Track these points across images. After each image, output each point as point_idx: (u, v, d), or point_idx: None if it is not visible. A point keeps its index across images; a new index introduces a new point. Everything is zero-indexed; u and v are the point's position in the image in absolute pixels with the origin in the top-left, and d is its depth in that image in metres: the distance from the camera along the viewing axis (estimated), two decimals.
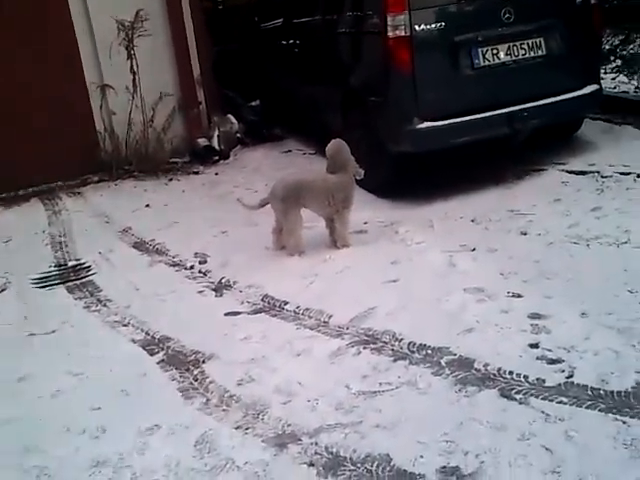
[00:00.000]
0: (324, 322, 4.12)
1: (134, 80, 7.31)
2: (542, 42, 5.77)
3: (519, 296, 4.10)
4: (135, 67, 7.27)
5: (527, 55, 5.75)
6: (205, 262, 5.23)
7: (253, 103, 8.33)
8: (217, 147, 7.68)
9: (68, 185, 7.66)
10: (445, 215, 5.49)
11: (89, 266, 5.56)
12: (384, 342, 3.82)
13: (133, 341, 4.29)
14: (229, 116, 8.03)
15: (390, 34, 5.43)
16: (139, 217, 6.41)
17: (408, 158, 5.78)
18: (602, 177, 5.74)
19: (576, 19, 5.88)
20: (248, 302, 4.54)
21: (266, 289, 4.63)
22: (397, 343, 3.79)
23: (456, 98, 5.64)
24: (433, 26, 5.47)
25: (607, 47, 6.98)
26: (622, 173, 5.70)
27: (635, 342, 3.48)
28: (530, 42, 5.75)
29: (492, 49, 5.64)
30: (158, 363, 4.00)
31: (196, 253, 5.39)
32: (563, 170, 6.00)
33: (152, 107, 7.49)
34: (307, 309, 4.29)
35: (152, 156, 7.51)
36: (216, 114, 7.95)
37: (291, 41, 7.35)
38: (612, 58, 6.87)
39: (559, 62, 5.85)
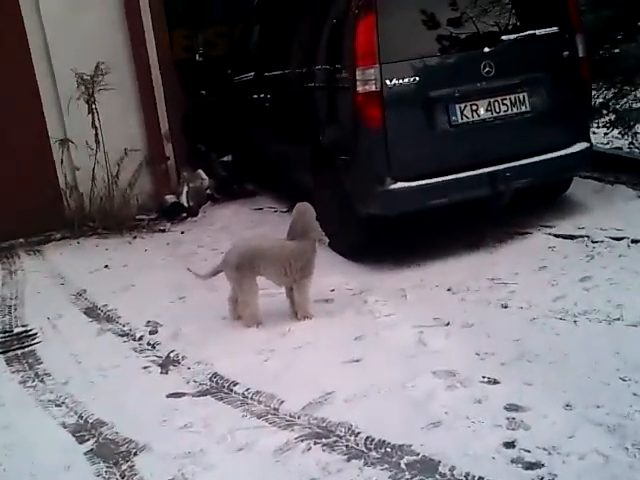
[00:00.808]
0: (274, 409, 3.64)
1: (96, 135, 6.90)
2: (525, 97, 5.39)
3: (495, 382, 3.63)
4: (97, 122, 6.86)
5: (509, 111, 5.36)
6: (156, 332, 4.78)
7: (225, 158, 7.92)
8: (185, 204, 7.23)
9: (29, 242, 7.27)
10: (420, 282, 5.04)
11: (35, 334, 5.12)
12: (338, 436, 3.33)
13: (64, 425, 3.82)
14: (199, 171, 7.63)
15: (359, 89, 5.05)
16: (96, 279, 5.96)
17: (380, 220, 5.32)
18: (592, 242, 5.30)
19: (563, 72, 5.51)
20: (195, 382, 4.08)
21: (216, 366, 4.18)
22: (353, 438, 3.30)
23: (432, 157, 5.23)
24: (406, 80, 5.08)
25: (599, 101, 6.56)
26: (614, 238, 5.26)
27: (628, 444, 2.98)
28: (513, 97, 5.36)
29: (471, 105, 5.25)
30: (86, 454, 3.53)
31: (148, 322, 4.94)
32: (550, 234, 5.56)
33: (117, 163, 7.06)
34: (257, 392, 3.82)
35: (117, 213, 7.10)
36: (186, 169, 7.53)
37: (262, 95, 6.99)
38: (604, 112, 6.42)
39: (544, 118, 5.46)
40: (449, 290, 4.88)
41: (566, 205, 6.09)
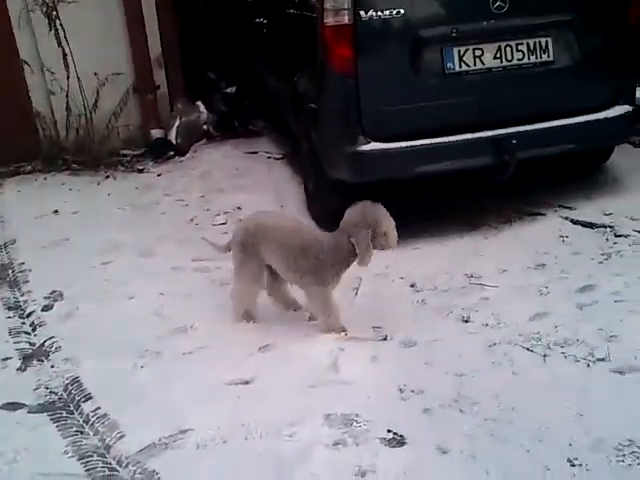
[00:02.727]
0: (105, 447, 2.80)
1: (65, 57, 6.08)
2: (549, 43, 4.18)
3: (400, 443, 2.71)
4: (64, 40, 5.99)
5: (526, 60, 4.17)
6: (50, 308, 3.98)
7: (228, 90, 6.89)
8: (174, 140, 6.32)
9: None
10: (383, 271, 4.03)
11: None
12: None
13: None
14: (198, 103, 6.66)
15: (327, 21, 3.95)
16: (35, 226, 5.18)
17: (357, 187, 4.28)
18: (616, 235, 4.15)
19: (603, 13, 4.23)
20: (46, 388, 3.25)
21: (81, 369, 3.36)
22: None
23: (418, 113, 4.13)
24: (388, 13, 3.93)
25: None
26: None
27: None
28: (531, 42, 4.16)
29: (474, 49, 4.10)
30: None
31: (52, 292, 4.13)
32: (567, 218, 4.44)
33: (97, 89, 6.18)
34: (103, 417, 2.96)
35: (97, 147, 6.22)
36: (182, 100, 6.58)
37: (261, 19, 5.90)
38: None
39: (573, 72, 4.27)
40: (412, 287, 3.89)
41: (599, 181, 4.87)
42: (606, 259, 3.93)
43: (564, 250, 4.07)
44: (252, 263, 3.49)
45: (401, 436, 2.70)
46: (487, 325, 3.41)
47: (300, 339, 3.41)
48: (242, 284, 3.56)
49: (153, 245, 4.64)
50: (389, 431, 2.73)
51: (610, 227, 4.22)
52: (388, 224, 3.25)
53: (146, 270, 4.28)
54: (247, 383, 3.12)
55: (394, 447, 2.66)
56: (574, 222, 4.35)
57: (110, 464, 2.69)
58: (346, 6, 3.92)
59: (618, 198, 4.55)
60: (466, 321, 3.46)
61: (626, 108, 4.42)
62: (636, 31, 4.32)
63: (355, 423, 2.79)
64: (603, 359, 3.04)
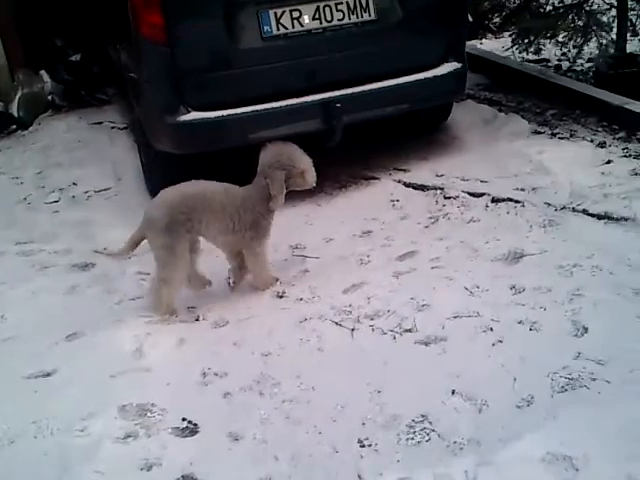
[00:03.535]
0: None
1: None
2: (370, 1, 4.08)
3: (193, 432, 2.56)
4: None
5: (347, 20, 4.06)
6: None
7: (73, 58, 6.53)
8: (15, 113, 5.98)
9: None
10: (208, 246, 3.85)
11: None
12: None
13: None
14: (42, 73, 6.31)
15: None
16: None
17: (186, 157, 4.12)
18: (445, 197, 4.09)
19: None
20: None
21: None
22: None
23: (239, 80, 3.97)
24: None
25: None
26: (472, 194, 4.06)
27: None
28: (351, 1, 4.05)
29: (291, 11, 3.97)
30: None
31: None
32: (400, 181, 4.36)
33: None
34: None
35: None
36: (23, 70, 6.21)
37: None
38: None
39: (397, 30, 4.17)
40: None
41: (438, 140, 4.83)
42: (433, 223, 3.91)
43: (393, 215, 4.04)
44: (184, 243, 3.20)
45: (195, 424, 2.63)
46: (301, 300, 3.33)
47: (109, 324, 3.26)
48: (178, 271, 3.23)
49: None
50: (184, 419, 2.65)
51: (441, 189, 4.18)
52: (304, 163, 3.18)
53: None
54: (48, 375, 2.97)
55: (185, 437, 2.58)
56: (407, 185, 4.31)
57: None
58: None
59: (452, 158, 4.53)
60: (281, 296, 3.38)
61: (455, 65, 4.39)
62: None
63: (149, 413, 2.70)
64: (410, 330, 3.01)
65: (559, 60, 6.16)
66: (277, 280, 3.43)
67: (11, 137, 6.00)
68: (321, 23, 4.00)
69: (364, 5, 4.04)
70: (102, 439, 2.57)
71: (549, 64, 6.22)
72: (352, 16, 4.04)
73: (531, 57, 6.10)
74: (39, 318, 3.42)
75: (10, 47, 6.16)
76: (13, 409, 2.78)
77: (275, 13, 3.92)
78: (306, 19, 3.97)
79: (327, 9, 3.99)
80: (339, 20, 4.02)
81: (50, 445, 2.57)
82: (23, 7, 6.32)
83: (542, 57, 6.24)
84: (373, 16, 4.08)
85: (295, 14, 3.95)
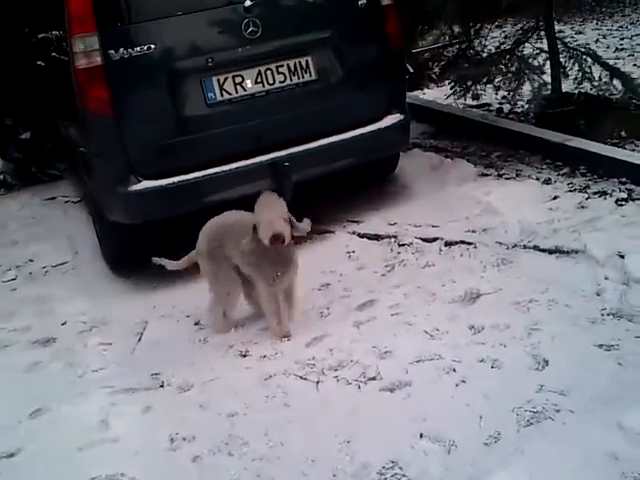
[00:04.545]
0: None
1: None
2: (309, 62, 4.19)
3: None
4: None
5: (288, 82, 4.17)
6: None
7: (23, 136, 6.57)
8: None
9: None
10: (170, 310, 3.91)
11: None
12: None
13: None
14: None
15: (78, 63, 3.80)
16: None
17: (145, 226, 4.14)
18: (399, 245, 4.17)
19: (358, 27, 4.27)
20: None
21: None
22: None
23: (188, 146, 4.03)
24: (139, 50, 3.83)
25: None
26: (426, 239, 4.15)
27: None
28: (291, 63, 4.16)
29: (234, 77, 4.06)
30: None
31: None
32: (354, 232, 4.46)
33: None
34: None
35: None
36: None
37: (40, 62, 5.64)
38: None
39: (338, 88, 4.28)
40: (197, 324, 3.82)
41: (387, 190, 4.93)
42: (389, 271, 3.97)
43: (349, 266, 4.10)
44: (224, 267, 3.46)
45: None
46: (265, 357, 3.35)
47: (73, 398, 3.25)
48: (220, 293, 3.52)
49: None
50: None
51: (394, 237, 4.25)
52: (258, 216, 3.25)
53: None
54: (12, 456, 2.94)
55: None
56: (361, 235, 4.38)
57: None
58: (95, 47, 3.78)
59: (403, 206, 4.63)
60: (244, 355, 3.40)
61: (398, 117, 4.50)
62: (395, 42, 4.40)
63: None
64: (374, 378, 3.05)
65: (500, 103, 6.33)
66: (287, 336, 3.46)
67: None
68: (264, 86, 4.10)
69: (304, 66, 4.16)
70: None
71: (491, 108, 6.40)
72: (294, 77, 4.16)
73: (473, 102, 6.26)
74: (0, 397, 3.37)
75: None
76: None
77: (218, 80, 4.02)
78: (249, 83, 4.07)
79: (269, 72, 4.10)
80: (281, 82, 4.13)
81: None
82: None
83: (483, 102, 6.40)
84: (314, 76, 4.20)
85: (238, 79, 4.05)
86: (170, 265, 3.67)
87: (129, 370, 3.42)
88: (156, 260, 3.68)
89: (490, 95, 6.37)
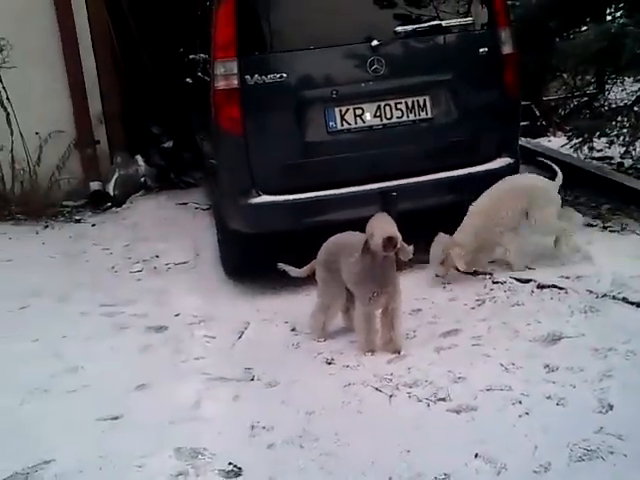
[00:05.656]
0: None
1: (7, 116, 6.48)
2: (427, 102, 4.48)
3: (237, 475, 2.91)
4: (7, 101, 6.44)
5: (405, 118, 4.47)
6: None
7: (166, 144, 7.23)
8: (111, 192, 6.63)
9: None
10: (272, 316, 4.33)
11: None
12: None
13: None
14: (137, 157, 6.98)
15: (217, 85, 4.27)
16: None
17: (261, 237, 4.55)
18: (494, 282, 4.37)
19: (479, 74, 4.52)
20: None
21: None
22: None
23: (306, 168, 4.41)
24: (272, 77, 4.24)
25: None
26: (520, 280, 4.32)
27: None
28: (410, 101, 4.46)
29: (355, 109, 4.40)
30: None
31: None
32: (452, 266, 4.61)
33: (40, 145, 6.59)
34: None
35: (41, 198, 6.54)
36: (121, 154, 6.90)
37: (188, 79, 6.23)
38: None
39: (451, 128, 4.54)
40: (293, 330, 4.17)
41: None
42: (479, 305, 4.17)
43: (442, 296, 4.33)
44: (335, 281, 3.83)
45: (239, 468, 2.92)
46: (348, 367, 3.63)
47: (173, 379, 3.66)
48: (325, 301, 3.89)
49: (70, 291, 4.90)
50: (230, 464, 2.94)
51: (490, 274, 4.45)
52: (372, 227, 3.60)
53: (58, 314, 4.54)
54: (116, 419, 3.35)
55: (230, 478, 2.88)
56: (457, 269, 4.56)
57: None
58: (234, 72, 4.22)
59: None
60: (329, 363, 3.69)
61: (508, 160, 4.70)
62: (512, 90, 4.62)
63: (200, 456, 3.00)
64: (444, 399, 3.26)
65: (622, 157, 6.37)
66: (372, 352, 3.74)
67: (106, 213, 6.66)
68: (381, 120, 4.42)
69: (422, 105, 4.45)
70: (157, 475, 2.90)
71: (612, 161, 6.45)
72: (410, 114, 4.45)
73: (596, 154, 6.34)
74: (114, 370, 3.82)
75: (112, 133, 6.86)
76: (84, 445, 3.16)
77: (340, 110, 4.37)
78: (368, 116, 4.40)
79: (387, 108, 4.42)
80: (398, 117, 4.44)
81: (112, 477, 2.93)
82: (130, 98, 7.03)
83: (606, 154, 6.47)
84: (430, 115, 4.48)
85: (358, 111, 4.39)
86: (293, 272, 4.05)
87: (226, 362, 3.79)
88: (281, 266, 4.05)
89: (615, 149, 6.42)
